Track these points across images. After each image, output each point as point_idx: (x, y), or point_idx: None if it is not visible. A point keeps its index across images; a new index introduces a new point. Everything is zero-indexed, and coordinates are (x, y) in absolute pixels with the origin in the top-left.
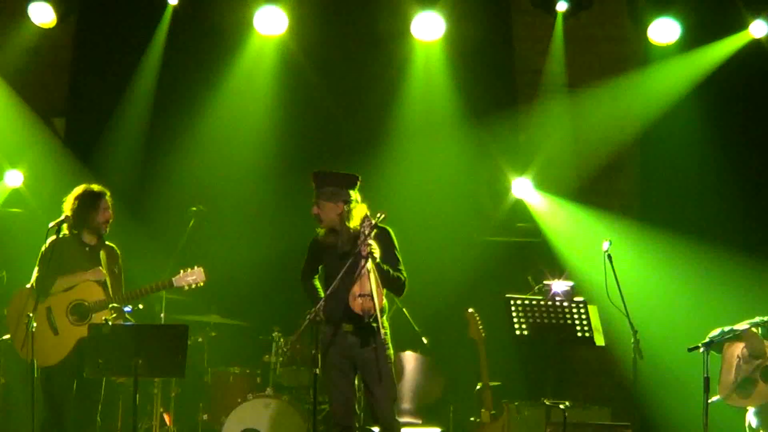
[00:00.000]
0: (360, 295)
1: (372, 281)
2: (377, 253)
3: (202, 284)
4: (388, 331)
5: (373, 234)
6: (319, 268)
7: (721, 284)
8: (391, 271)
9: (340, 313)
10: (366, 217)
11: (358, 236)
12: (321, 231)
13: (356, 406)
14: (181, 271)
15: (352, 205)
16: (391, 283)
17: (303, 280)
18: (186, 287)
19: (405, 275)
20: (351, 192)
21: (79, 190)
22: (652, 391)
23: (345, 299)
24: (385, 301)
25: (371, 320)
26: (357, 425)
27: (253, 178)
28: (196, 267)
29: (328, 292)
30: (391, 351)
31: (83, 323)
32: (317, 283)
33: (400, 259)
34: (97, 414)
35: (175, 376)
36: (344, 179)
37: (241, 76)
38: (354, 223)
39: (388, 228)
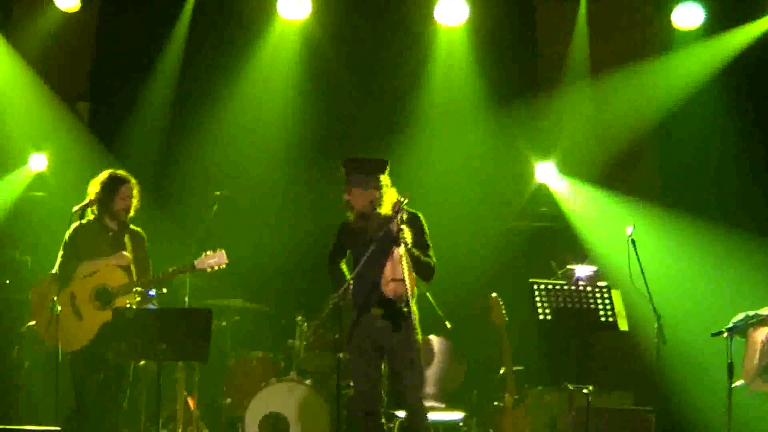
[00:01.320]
0: (393, 280)
1: (404, 266)
2: (409, 239)
3: (224, 266)
4: (416, 317)
5: (402, 220)
6: (347, 253)
7: (744, 269)
8: (421, 257)
9: (369, 297)
10: (398, 202)
11: (388, 221)
12: (351, 215)
13: (381, 392)
14: (203, 253)
15: (383, 191)
16: (421, 268)
17: (330, 263)
18: (208, 269)
19: (434, 261)
20: (381, 177)
21: (103, 175)
22: (676, 376)
23: (375, 284)
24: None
25: (403, 305)
26: (381, 410)
27: (277, 163)
28: (218, 249)
29: (353, 276)
30: (420, 336)
31: (107, 308)
32: (344, 267)
33: (430, 244)
34: (125, 400)
35: (199, 360)
36: (375, 165)
37: (265, 60)
38: (385, 209)
39: (419, 213)
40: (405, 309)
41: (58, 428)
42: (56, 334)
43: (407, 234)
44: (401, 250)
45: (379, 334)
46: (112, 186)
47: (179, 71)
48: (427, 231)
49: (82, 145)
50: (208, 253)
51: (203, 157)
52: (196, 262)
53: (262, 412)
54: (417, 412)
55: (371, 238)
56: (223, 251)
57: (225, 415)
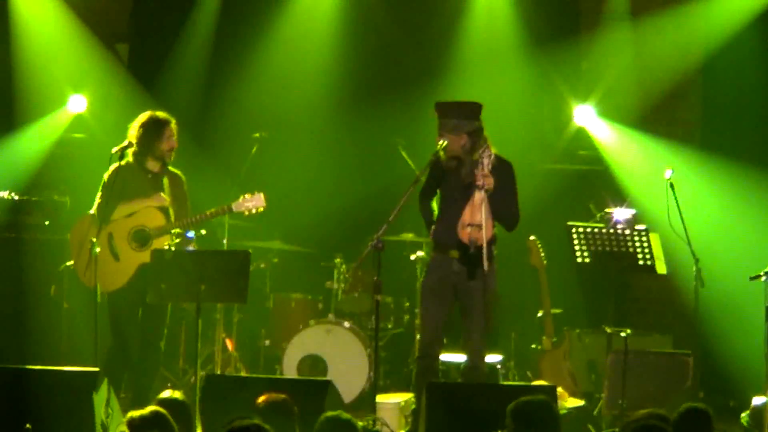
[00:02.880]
0: (469, 225)
1: (483, 212)
2: (490, 185)
3: (262, 210)
4: (495, 263)
5: (490, 165)
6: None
7: None
8: (502, 205)
9: (449, 239)
10: (485, 147)
11: (475, 166)
12: (443, 153)
13: (441, 335)
14: (242, 196)
15: (475, 136)
16: (502, 217)
17: (421, 198)
18: (246, 212)
19: (517, 210)
20: (475, 122)
21: (144, 116)
22: (714, 320)
23: (454, 226)
24: (495, 231)
25: (476, 250)
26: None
27: (316, 105)
28: (256, 192)
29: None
30: (495, 283)
31: (144, 249)
32: (434, 206)
33: (516, 193)
34: (162, 340)
35: (238, 301)
36: (467, 110)
37: (305, 3)
38: (477, 154)
39: (509, 162)
40: (479, 254)
41: (96, 369)
42: (95, 275)
43: (489, 180)
44: (481, 195)
45: (455, 276)
46: (157, 127)
47: (219, 12)
48: (515, 180)
49: (121, 86)
50: (246, 196)
51: (243, 98)
52: (233, 205)
53: (301, 354)
54: (477, 364)
55: (461, 182)
56: (262, 194)
57: (263, 357)
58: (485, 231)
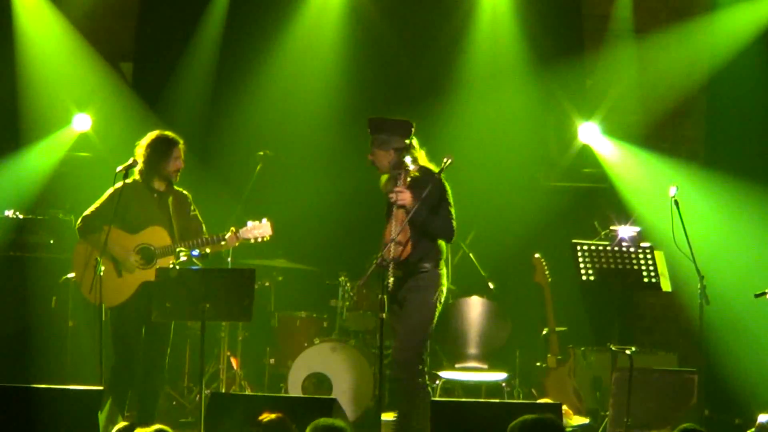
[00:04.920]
0: (391, 241)
1: (398, 227)
2: (407, 201)
3: (267, 238)
4: (442, 275)
5: (408, 180)
6: None
7: None
8: (423, 218)
9: (381, 257)
10: (403, 164)
11: (412, 183)
12: (383, 178)
13: None
14: (249, 222)
15: (402, 154)
16: (428, 230)
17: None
18: (252, 240)
19: (447, 222)
20: (405, 140)
21: (152, 136)
22: (719, 337)
23: (383, 243)
24: (442, 243)
25: (394, 265)
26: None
27: (320, 123)
28: (264, 220)
29: (394, 236)
30: (435, 297)
31: (148, 267)
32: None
33: (447, 205)
34: (166, 358)
35: (242, 320)
36: (397, 126)
37: (308, 21)
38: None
39: (436, 174)
40: (400, 269)
41: (100, 388)
42: (100, 294)
43: (403, 196)
44: (402, 211)
45: (396, 291)
46: (165, 148)
47: (223, 31)
48: (445, 193)
49: (125, 105)
50: (255, 223)
51: (247, 117)
52: (240, 232)
53: (306, 372)
54: (395, 367)
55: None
56: (269, 223)
57: (268, 375)
58: (406, 247)
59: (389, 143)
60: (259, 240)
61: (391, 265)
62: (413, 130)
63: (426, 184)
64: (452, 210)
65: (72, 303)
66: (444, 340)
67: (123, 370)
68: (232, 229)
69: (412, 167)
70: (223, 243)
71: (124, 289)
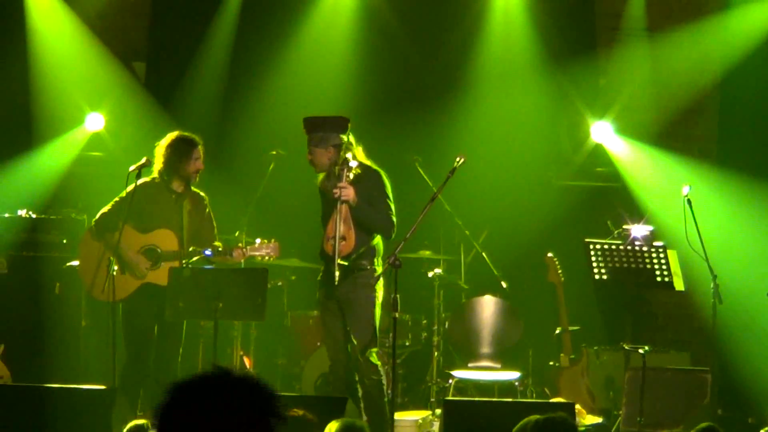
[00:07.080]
0: (332, 237)
1: (341, 224)
2: (350, 197)
3: (273, 260)
4: (378, 273)
5: (351, 176)
6: None
7: None
8: (365, 214)
9: (321, 252)
10: (345, 160)
11: (354, 179)
12: (320, 176)
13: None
14: (257, 240)
15: (342, 151)
16: (370, 226)
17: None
18: (258, 258)
19: (387, 218)
20: (342, 136)
21: (172, 136)
22: (732, 336)
23: (324, 239)
24: (379, 241)
25: (343, 261)
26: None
27: None
28: (273, 241)
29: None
30: (377, 293)
31: (153, 269)
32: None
33: (388, 201)
34: (178, 357)
35: (255, 319)
36: (333, 123)
37: (321, 20)
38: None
39: (379, 171)
40: (345, 263)
41: (114, 387)
42: (113, 294)
43: (346, 191)
44: (345, 207)
45: (336, 289)
46: (185, 148)
47: (236, 30)
48: (385, 189)
49: (138, 104)
50: (265, 242)
51: (260, 116)
52: (248, 248)
53: (318, 371)
54: (353, 367)
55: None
56: (278, 244)
57: (281, 374)
58: (348, 241)
59: (327, 141)
60: (266, 259)
61: (338, 261)
62: (349, 126)
63: (367, 180)
64: (392, 205)
65: (86, 303)
66: (457, 339)
67: (134, 369)
68: (240, 245)
69: (353, 163)
70: (229, 257)
71: (125, 285)
